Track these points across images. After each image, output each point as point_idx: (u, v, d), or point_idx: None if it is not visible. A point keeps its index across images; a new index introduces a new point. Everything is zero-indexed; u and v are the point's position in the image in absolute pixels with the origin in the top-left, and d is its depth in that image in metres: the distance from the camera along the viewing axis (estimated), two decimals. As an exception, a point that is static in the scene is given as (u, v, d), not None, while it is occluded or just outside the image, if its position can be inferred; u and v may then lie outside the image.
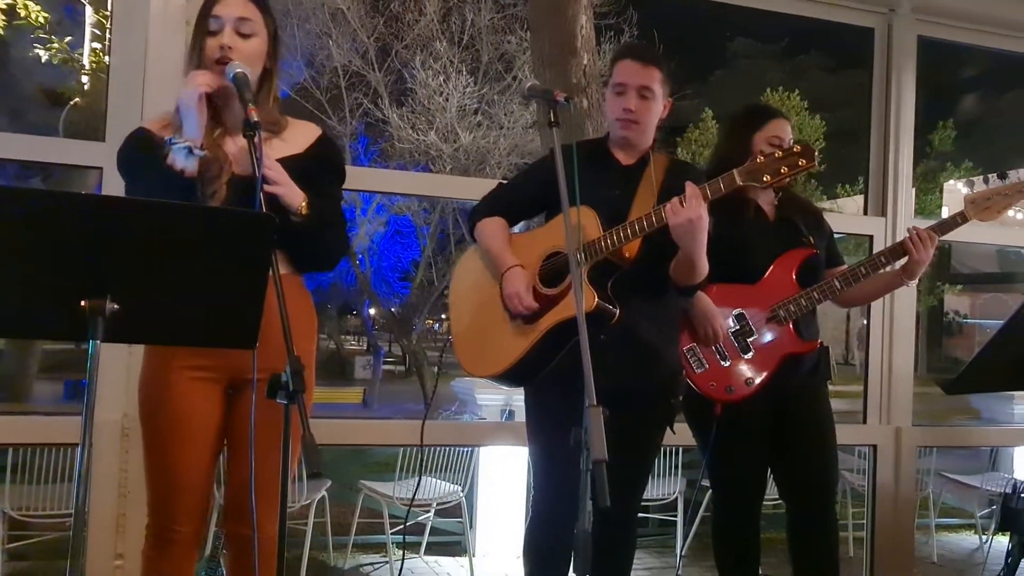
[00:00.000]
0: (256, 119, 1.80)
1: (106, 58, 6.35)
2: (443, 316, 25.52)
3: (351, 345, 29.49)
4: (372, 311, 21.23)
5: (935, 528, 5.69)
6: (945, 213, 20.67)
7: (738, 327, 2.64)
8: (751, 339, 2.64)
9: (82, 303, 1.50)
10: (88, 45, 6.70)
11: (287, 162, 1.99)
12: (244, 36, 2.02)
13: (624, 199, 2.39)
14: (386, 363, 22.87)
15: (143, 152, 2.00)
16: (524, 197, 2.54)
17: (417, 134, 13.49)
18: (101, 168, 2.88)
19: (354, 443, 3.36)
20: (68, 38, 7.19)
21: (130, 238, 1.48)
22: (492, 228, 2.50)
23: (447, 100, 13.26)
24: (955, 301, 25.42)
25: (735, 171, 2.24)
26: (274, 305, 1.66)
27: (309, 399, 2.08)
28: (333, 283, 19.09)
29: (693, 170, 2.54)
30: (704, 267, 2.30)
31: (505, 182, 2.61)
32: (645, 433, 2.43)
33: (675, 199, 2.20)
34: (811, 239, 2.72)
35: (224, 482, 2.16)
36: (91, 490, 2.77)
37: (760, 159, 2.24)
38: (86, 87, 7.04)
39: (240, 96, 1.87)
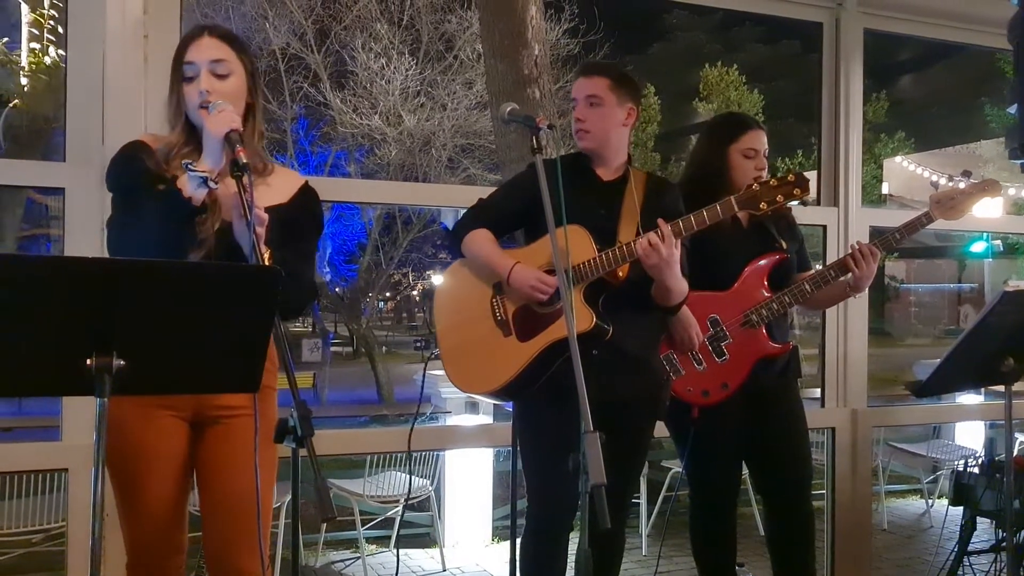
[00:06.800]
0: (245, 160, 1.78)
1: (46, 58, 6.13)
2: (387, 295, 25.41)
3: (296, 327, 29.09)
4: (317, 292, 20.96)
5: (884, 495, 5.93)
6: (885, 188, 21.11)
7: (713, 332, 2.71)
8: (725, 344, 2.70)
9: (88, 361, 1.49)
10: (26, 45, 6.44)
11: (270, 211, 1.92)
12: (220, 77, 1.98)
13: (610, 217, 2.41)
14: (333, 344, 22.63)
15: (142, 167, 1.95)
16: (509, 212, 2.52)
17: (360, 118, 13.30)
18: (63, 188, 2.83)
19: (343, 453, 3.26)
20: (4, 39, 6.89)
21: (138, 297, 1.47)
22: (483, 237, 2.47)
23: (389, 83, 13.09)
24: (892, 267, 26.31)
25: (732, 199, 2.32)
26: None
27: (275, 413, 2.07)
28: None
29: (671, 189, 2.57)
30: (680, 290, 2.36)
31: (484, 198, 2.60)
32: (638, 442, 2.50)
33: (646, 239, 2.25)
34: (783, 244, 2.78)
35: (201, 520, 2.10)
36: (72, 513, 2.79)
37: (755, 187, 2.32)
38: (26, 88, 6.77)
39: (230, 144, 1.82)
